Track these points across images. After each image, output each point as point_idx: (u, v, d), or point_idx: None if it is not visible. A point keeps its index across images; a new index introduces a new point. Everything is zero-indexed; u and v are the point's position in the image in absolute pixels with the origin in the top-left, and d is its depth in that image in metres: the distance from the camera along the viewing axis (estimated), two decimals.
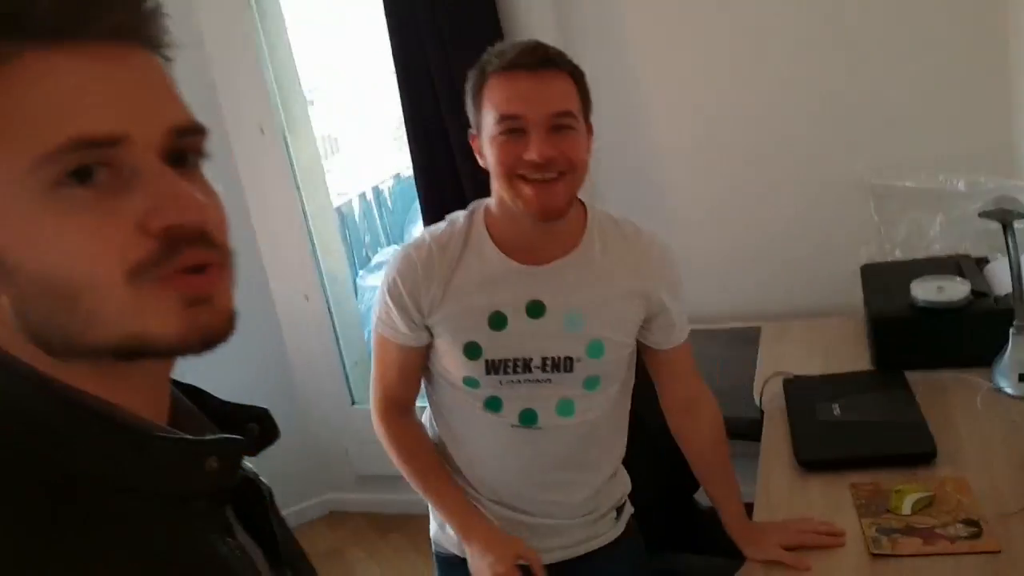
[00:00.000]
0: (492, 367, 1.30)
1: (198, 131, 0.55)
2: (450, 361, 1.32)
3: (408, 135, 2.40)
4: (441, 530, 1.45)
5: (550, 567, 1.37)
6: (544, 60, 1.20)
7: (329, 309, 2.94)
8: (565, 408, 1.33)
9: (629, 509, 1.50)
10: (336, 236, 3.08)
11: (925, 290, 1.76)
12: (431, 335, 1.33)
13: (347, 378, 2.99)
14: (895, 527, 1.29)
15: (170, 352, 0.54)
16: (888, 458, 1.45)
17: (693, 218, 2.44)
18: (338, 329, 2.97)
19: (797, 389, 1.74)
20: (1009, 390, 1.60)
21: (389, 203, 4.77)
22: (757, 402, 1.79)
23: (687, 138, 2.40)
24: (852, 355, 1.93)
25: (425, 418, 1.48)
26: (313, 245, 2.88)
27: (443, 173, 2.37)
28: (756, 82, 2.28)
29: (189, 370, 0.61)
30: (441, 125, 2.33)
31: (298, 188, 2.81)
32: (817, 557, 1.28)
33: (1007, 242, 1.47)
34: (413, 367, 1.37)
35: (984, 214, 1.46)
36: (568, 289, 1.29)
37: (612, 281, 1.31)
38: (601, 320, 1.31)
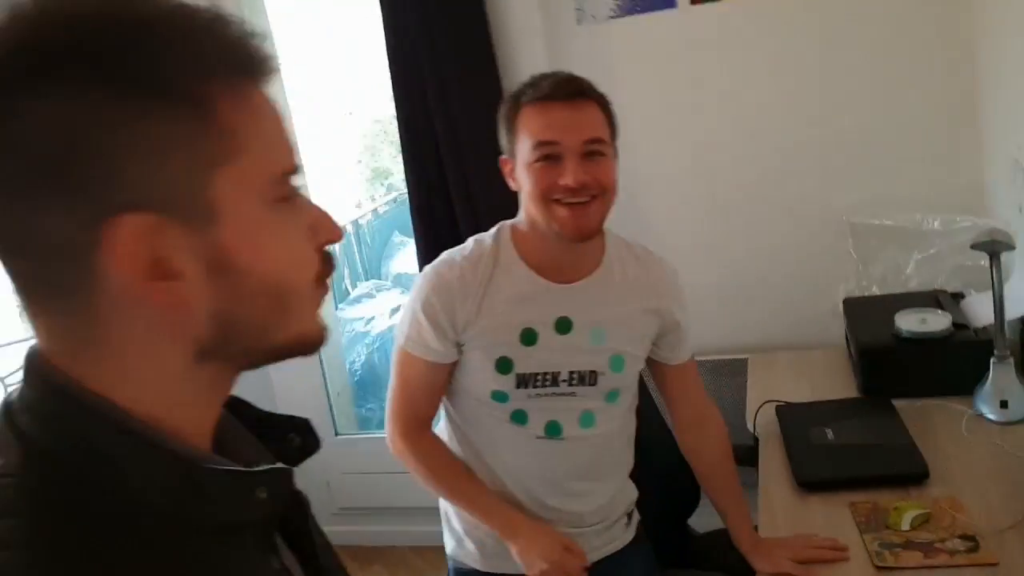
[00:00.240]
0: (522, 381, 1.35)
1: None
2: (480, 376, 1.37)
3: (404, 163, 2.45)
4: (459, 546, 1.48)
5: None
6: (577, 91, 1.30)
7: None
8: (587, 420, 1.38)
9: (637, 516, 1.54)
10: None
11: (909, 322, 1.84)
12: (459, 352, 1.38)
13: (331, 408, 2.99)
14: (896, 542, 1.34)
15: (306, 353, 0.61)
16: (883, 478, 1.51)
17: (678, 255, 2.49)
18: (323, 360, 2.98)
19: (790, 415, 1.80)
20: (991, 416, 1.68)
21: (368, 239, 4.82)
22: (751, 429, 1.85)
23: (674, 180, 2.49)
24: (837, 384, 2.00)
25: (441, 434, 1.52)
26: None
27: (436, 196, 2.42)
28: (740, 127, 2.39)
29: None
30: (436, 153, 2.39)
31: None
32: (823, 571, 1.33)
33: (992, 273, 1.56)
34: (439, 384, 1.42)
35: (976, 246, 1.56)
36: (593, 306, 1.36)
37: (630, 299, 1.39)
38: (621, 336, 1.37)
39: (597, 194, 1.30)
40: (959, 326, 1.82)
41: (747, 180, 2.42)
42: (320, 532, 0.72)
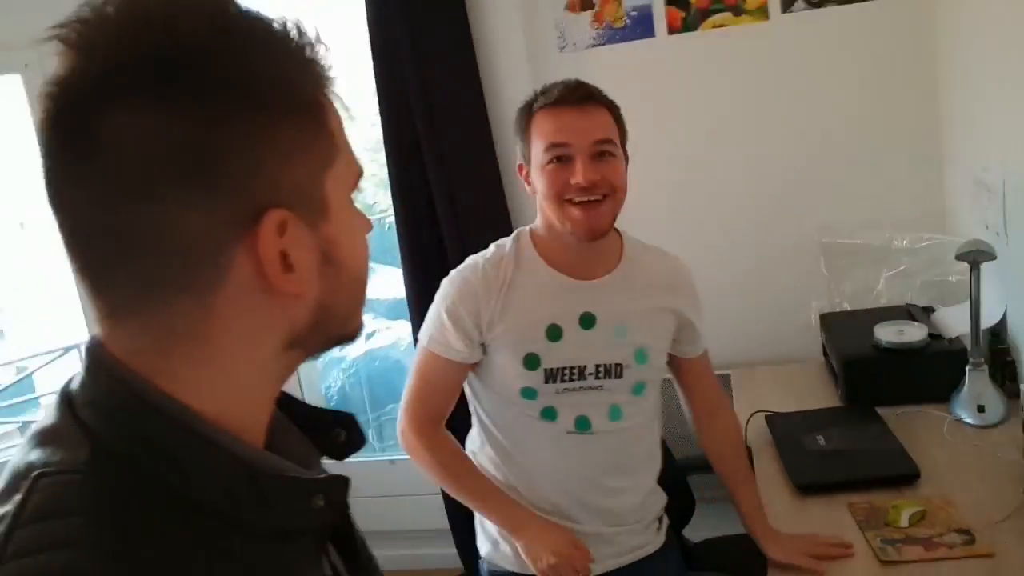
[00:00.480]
0: (550, 376, 1.41)
1: None
2: (508, 374, 1.42)
3: (391, 189, 2.49)
4: (495, 549, 1.51)
5: None
6: (586, 96, 1.40)
7: None
8: (615, 413, 1.44)
9: (667, 520, 1.59)
10: None
11: (887, 333, 1.94)
12: (484, 352, 1.42)
13: None
14: (897, 538, 1.42)
15: (355, 340, 0.67)
16: (877, 479, 1.59)
17: None
18: (301, 382, 2.98)
19: (780, 424, 1.88)
20: (970, 420, 1.78)
21: None
22: (743, 438, 1.91)
23: (653, 204, 2.55)
24: (819, 395, 2.09)
25: (474, 443, 1.55)
26: None
27: (423, 221, 2.46)
28: (716, 152, 2.49)
29: None
30: (423, 176, 2.43)
31: None
32: (832, 569, 1.39)
33: (971, 283, 1.66)
34: (457, 383, 1.48)
35: (960, 256, 1.66)
36: (615, 302, 1.43)
37: (650, 296, 1.46)
38: (643, 330, 1.44)
39: (608, 193, 1.38)
40: (934, 336, 1.93)
41: (722, 203, 2.52)
42: (358, 530, 0.73)
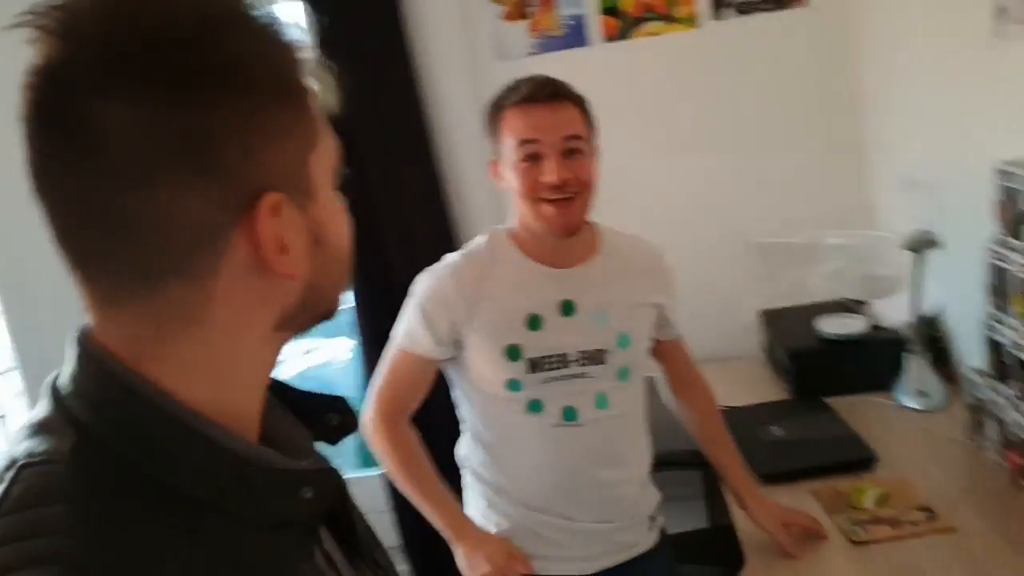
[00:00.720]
0: (533, 365, 1.40)
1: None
2: (490, 368, 1.41)
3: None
4: None
5: None
6: (555, 92, 1.41)
7: None
8: (601, 401, 1.45)
9: (661, 519, 1.60)
10: None
11: (831, 325, 2.02)
12: (458, 348, 1.43)
13: None
14: (864, 519, 1.47)
15: (332, 319, 0.68)
16: (837, 465, 1.64)
17: None
18: None
19: (735, 417, 1.91)
20: (914, 405, 1.86)
21: None
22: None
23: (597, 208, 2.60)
24: (765, 389, 2.15)
25: (463, 448, 1.53)
26: None
27: (366, 230, 2.42)
28: (651, 157, 2.53)
29: None
30: (364, 189, 2.40)
31: None
32: (806, 550, 1.44)
33: (914, 271, 1.74)
34: (425, 379, 1.48)
35: (907, 244, 1.73)
36: (594, 288, 1.44)
37: (629, 281, 1.48)
38: (623, 315, 1.46)
39: (579, 191, 1.40)
40: (876, 327, 2.01)
41: (658, 206, 2.56)
42: (359, 514, 0.72)
